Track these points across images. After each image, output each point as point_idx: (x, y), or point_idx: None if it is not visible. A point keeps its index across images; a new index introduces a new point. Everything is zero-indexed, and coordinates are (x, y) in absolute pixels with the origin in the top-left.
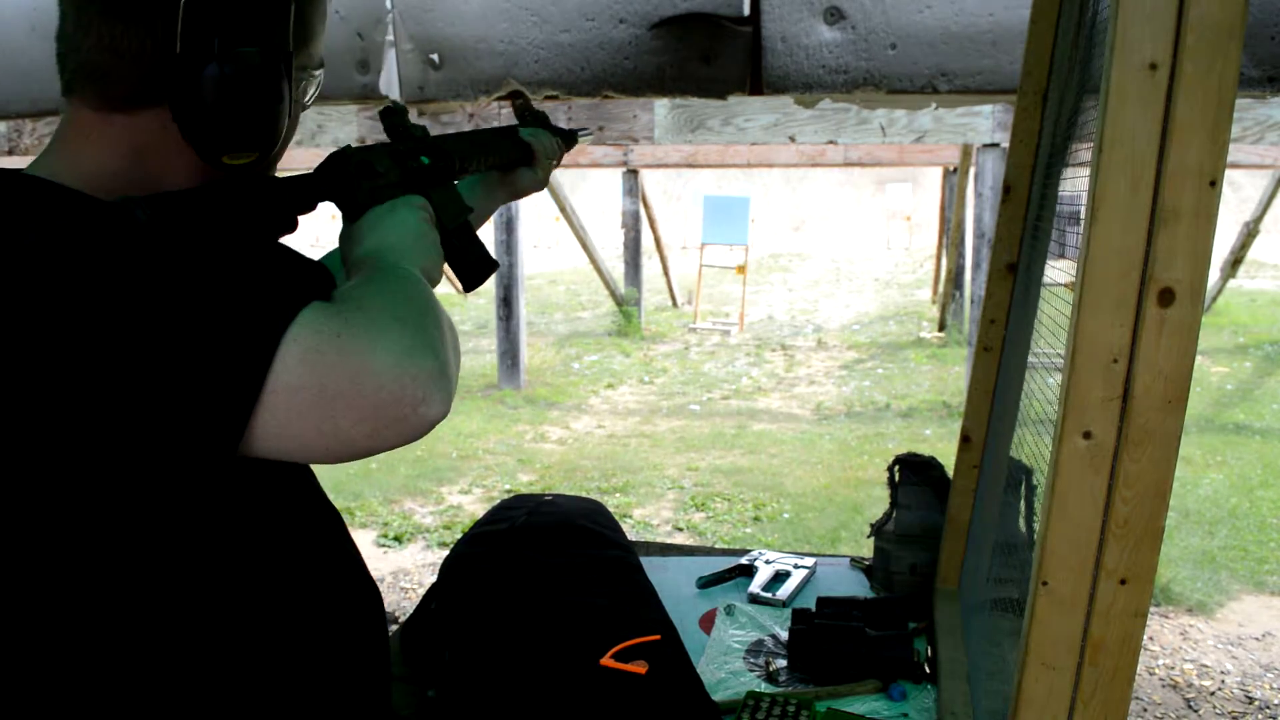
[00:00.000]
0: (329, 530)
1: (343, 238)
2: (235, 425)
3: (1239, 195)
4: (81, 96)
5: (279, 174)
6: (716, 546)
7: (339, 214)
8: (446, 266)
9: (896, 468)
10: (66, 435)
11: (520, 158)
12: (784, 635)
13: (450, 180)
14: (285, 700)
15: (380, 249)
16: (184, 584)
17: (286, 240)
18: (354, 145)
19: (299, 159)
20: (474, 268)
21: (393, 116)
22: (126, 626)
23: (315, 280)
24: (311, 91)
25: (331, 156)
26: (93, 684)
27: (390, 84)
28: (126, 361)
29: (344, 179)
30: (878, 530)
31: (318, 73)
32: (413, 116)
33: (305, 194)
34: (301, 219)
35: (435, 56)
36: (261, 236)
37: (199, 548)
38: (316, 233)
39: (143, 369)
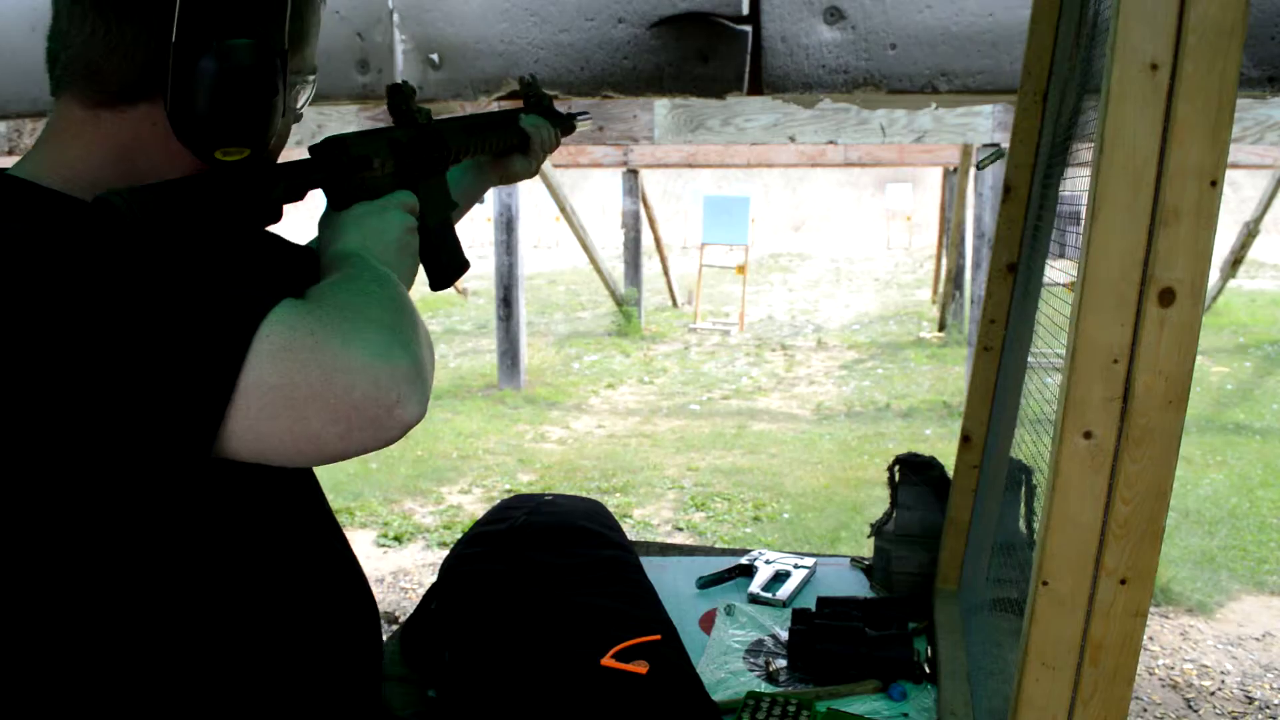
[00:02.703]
0: (323, 533)
1: (323, 223)
2: (208, 425)
3: (1239, 195)
4: (71, 93)
5: None
6: (716, 546)
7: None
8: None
9: (896, 468)
10: (43, 436)
11: (517, 144)
12: (784, 635)
13: (443, 170)
14: (275, 701)
15: (360, 250)
16: (174, 584)
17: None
18: (351, 132)
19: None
20: (445, 268)
21: (398, 97)
22: (117, 627)
23: (302, 267)
24: (304, 98)
25: (327, 142)
26: (85, 683)
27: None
28: (99, 361)
29: (338, 170)
30: (878, 530)
31: (311, 78)
32: None
33: (295, 182)
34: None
35: (435, 56)
36: (244, 227)
37: (189, 549)
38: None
39: (115, 368)
